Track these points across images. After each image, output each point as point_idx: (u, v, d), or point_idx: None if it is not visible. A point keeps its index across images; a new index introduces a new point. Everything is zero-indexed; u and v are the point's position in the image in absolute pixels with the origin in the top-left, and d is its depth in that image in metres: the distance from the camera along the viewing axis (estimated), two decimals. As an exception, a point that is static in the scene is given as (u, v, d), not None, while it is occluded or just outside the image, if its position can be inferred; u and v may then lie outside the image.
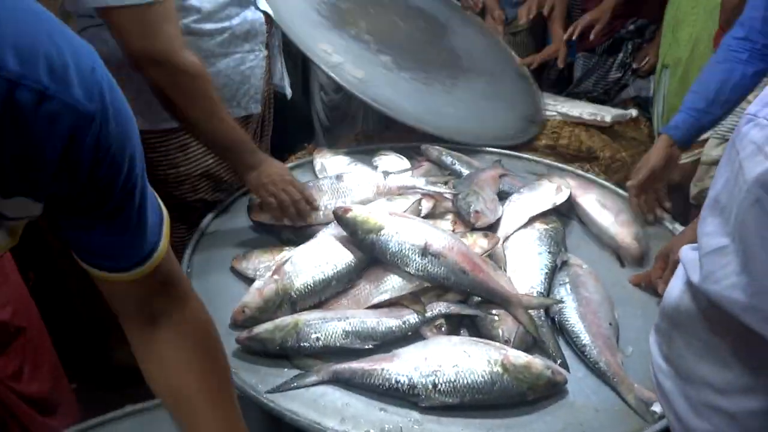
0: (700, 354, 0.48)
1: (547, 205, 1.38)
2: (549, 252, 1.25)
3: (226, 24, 1.35)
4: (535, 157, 1.80)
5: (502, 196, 1.44)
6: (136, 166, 0.61)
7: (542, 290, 1.17)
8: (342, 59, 1.72)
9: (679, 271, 0.50)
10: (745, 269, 0.41)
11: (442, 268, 1.11)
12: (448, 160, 1.62)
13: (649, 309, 1.17)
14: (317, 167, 1.57)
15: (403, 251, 1.13)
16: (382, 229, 1.14)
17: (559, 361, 1.05)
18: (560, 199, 1.41)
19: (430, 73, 1.96)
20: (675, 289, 0.50)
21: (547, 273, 1.21)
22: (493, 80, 2.14)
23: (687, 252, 0.49)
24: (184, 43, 1.19)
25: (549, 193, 1.43)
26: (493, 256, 1.26)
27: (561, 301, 1.14)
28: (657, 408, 0.95)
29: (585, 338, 1.08)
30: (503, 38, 2.48)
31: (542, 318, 1.12)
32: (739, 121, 0.43)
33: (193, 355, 0.74)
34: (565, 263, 1.25)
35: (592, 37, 2.39)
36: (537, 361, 1.00)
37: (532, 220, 1.34)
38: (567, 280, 1.20)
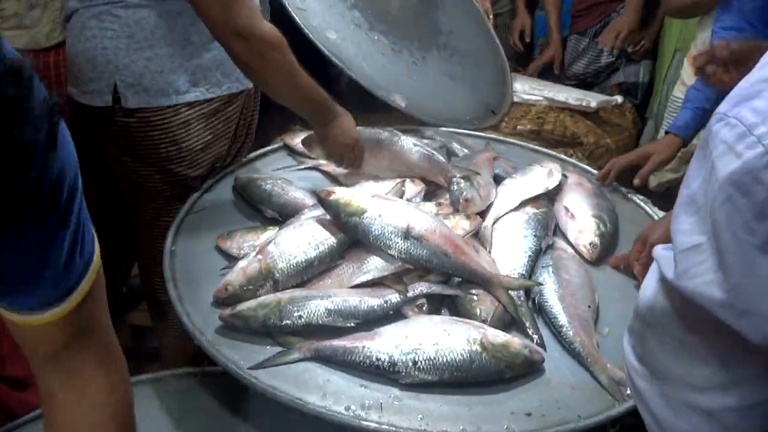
0: (676, 353, 0.48)
1: (539, 190, 1.40)
2: (534, 236, 1.27)
3: None
4: (520, 142, 1.82)
5: (495, 180, 1.45)
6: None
7: (524, 272, 1.19)
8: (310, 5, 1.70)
9: (653, 270, 0.51)
10: (721, 266, 0.42)
11: (425, 251, 1.12)
12: (441, 140, 1.63)
13: (628, 292, 1.20)
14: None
15: (386, 234, 1.14)
16: (365, 212, 1.15)
17: (536, 340, 1.07)
18: (552, 183, 1.43)
19: (402, 41, 1.94)
20: (649, 288, 0.50)
21: (530, 256, 1.23)
22: (466, 63, 2.11)
23: (660, 251, 0.50)
24: (260, 12, 1.24)
25: (541, 177, 1.45)
26: (480, 237, 1.28)
27: (540, 284, 1.17)
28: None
29: (562, 319, 1.11)
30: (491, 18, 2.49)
31: (522, 298, 1.14)
32: (710, 120, 0.44)
33: None
34: (549, 247, 1.27)
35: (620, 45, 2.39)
36: (515, 340, 1.02)
37: (523, 204, 1.36)
38: (550, 263, 1.22)
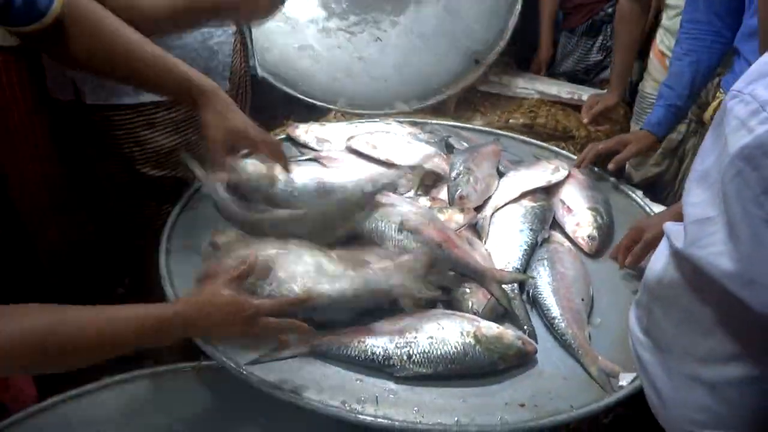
0: (681, 324, 0.49)
1: (541, 183, 1.42)
2: (531, 229, 1.29)
3: None
4: (528, 139, 1.82)
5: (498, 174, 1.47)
6: None
7: (519, 266, 1.21)
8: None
9: (662, 245, 0.51)
10: (731, 238, 0.43)
11: (418, 244, 1.14)
12: (442, 134, 1.64)
13: (623, 283, 1.22)
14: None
15: (380, 228, 1.15)
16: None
17: (527, 331, 1.08)
18: (556, 178, 1.45)
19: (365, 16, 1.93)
20: (658, 261, 0.51)
21: (525, 250, 1.24)
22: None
23: (671, 225, 0.50)
24: None
25: (545, 171, 1.47)
26: (478, 228, 1.30)
27: (532, 277, 1.18)
28: (622, 381, 0.99)
29: (555, 311, 1.12)
30: None
31: (515, 291, 1.15)
32: (725, 97, 0.45)
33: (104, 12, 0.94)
34: (546, 240, 1.29)
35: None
36: (508, 332, 1.03)
37: (522, 196, 1.38)
38: (546, 256, 1.23)
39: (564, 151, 1.70)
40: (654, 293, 0.52)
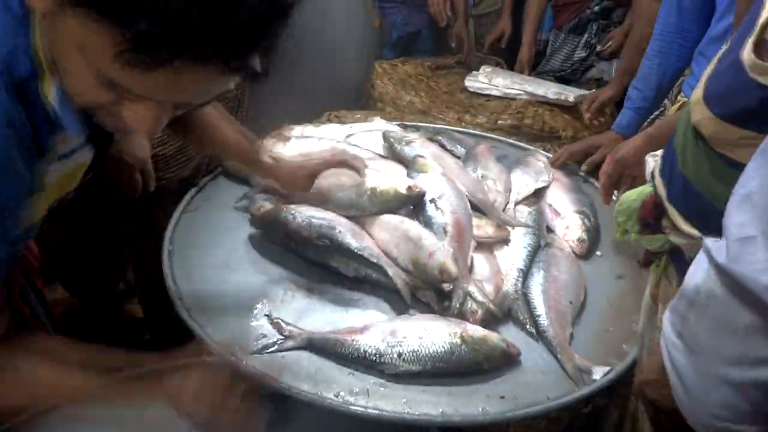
0: (715, 330, 0.54)
1: (539, 184, 1.50)
2: (534, 234, 1.36)
3: None
4: (515, 142, 1.89)
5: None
6: None
7: (522, 267, 1.27)
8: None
9: (700, 259, 0.56)
10: None
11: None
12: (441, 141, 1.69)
13: (611, 284, 1.31)
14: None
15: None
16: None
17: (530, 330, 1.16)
18: (543, 182, 1.52)
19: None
20: (697, 273, 0.56)
21: (529, 251, 1.31)
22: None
23: (711, 242, 0.55)
24: None
25: (542, 171, 1.55)
26: (505, 219, 1.38)
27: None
28: (596, 375, 1.07)
29: (540, 310, 1.19)
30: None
31: (518, 292, 1.22)
32: None
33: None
34: (548, 245, 1.35)
35: None
36: (493, 335, 1.10)
37: (516, 203, 1.45)
38: (543, 259, 1.30)
39: (549, 154, 1.76)
40: (691, 301, 0.56)
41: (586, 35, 2.59)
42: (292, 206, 1.27)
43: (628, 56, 2.02)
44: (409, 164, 1.41)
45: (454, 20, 2.69)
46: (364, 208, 1.27)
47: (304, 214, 1.24)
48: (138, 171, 1.38)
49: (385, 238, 1.23)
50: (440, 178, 1.32)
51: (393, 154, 1.54)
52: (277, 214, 1.26)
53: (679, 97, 1.55)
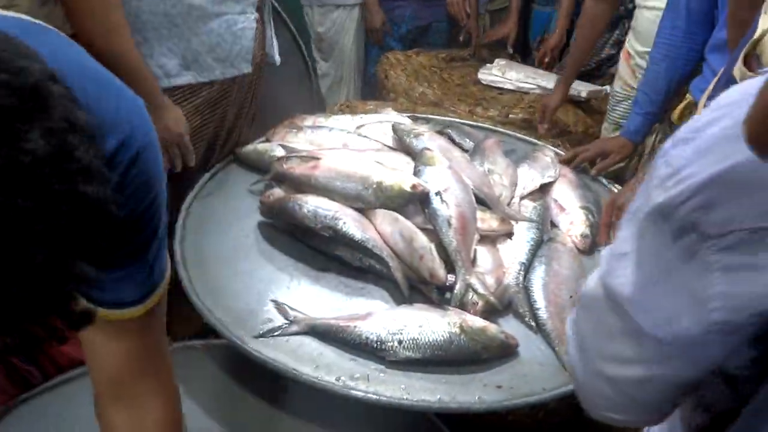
0: (595, 330, 0.60)
1: (546, 180, 1.52)
2: (537, 228, 1.38)
3: None
4: (516, 133, 1.90)
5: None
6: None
7: (525, 261, 1.29)
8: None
9: (599, 267, 0.61)
10: (637, 271, 0.53)
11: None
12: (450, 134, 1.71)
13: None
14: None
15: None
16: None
17: (528, 325, 1.18)
18: (550, 177, 1.54)
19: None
20: (592, 278, 0.61)
21: (531, 246, 1.33)
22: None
23: (604, 251, 0.60)
24: None
25: (549, 166, 1.56)
26: (510, 212, 1.39)
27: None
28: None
29: (540, 303, 1.22)
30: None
31: (520, 285, 1.25)
32: (659, 152, 0.54)
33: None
34: (551, 239, 1.37)
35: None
36: (492, 326, 1.12)
37: (521, 197, 1.47)
38: (545, 253, 1.32)
39: (558, 150, 1.77)
40: (583, 302, 0.62)
41: (617, 32, 2.57)
42: (299, 195, 1.31)
43: (575, 61, 2.01)
44: (416, 156, 1.44)
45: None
46: (369, 202, 1.29)
47: (311, 204, 1.27)
48: (175, 146, 1.41)
49: (386, 230, 1.26)
50: (446, 171, 1.34)
51: (402, 145, 1.56)
52: (284, 203, 1.30)
53: (686, 96, 1.56)
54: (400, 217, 1.27)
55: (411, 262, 1.20)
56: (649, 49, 1.67)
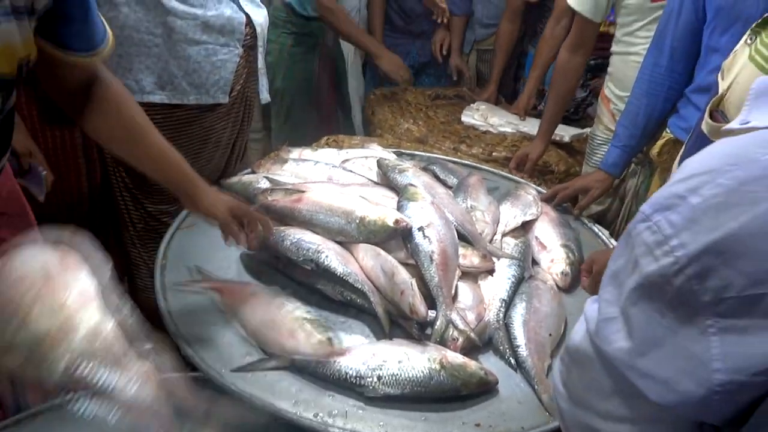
0: (589, 387, 0.60)
1: (527, 217, 1.54)
2: (518, 265, 1.39)
3: (198, 11, 1.44)
4: (499, 171, 1.94)
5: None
6: None
7: (506, 297, 1.30)
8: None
9: (582, 320, 0.62)
10: (631, 337, 0.54)
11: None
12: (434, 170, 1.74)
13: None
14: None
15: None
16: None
17: (509, 362, 1.19)
18: (532, 215, 1.56)
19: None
20: (578, 333, 0.62)
21: (513, 283, 1.34)
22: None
23: (588, 306, 0.61)
24: None
25: (531, 204, 1.59)
26: (493, 249, 1.41)
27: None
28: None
29: (520, 340, 1.22)
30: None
31: (500, 322, 1.25)
32: (636, 216, 0.55)
33: (130, 99, 1.11)
34: (532, 277, 1.39)
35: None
36: (472, 363, 1.13)
37: (503, 234, 1.49)
38: (526, 291, 1.33)
39: (540, 188, 1.80)
40: (573, 357, 0.63)
41: (587, 75, 2.65)
42: (282, 228, 1.31)
43: (553, 111, 2.03)
44: (400, 192, 1.45)
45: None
46: (352, 236, 1.30)
47: (293, 237, 1.27)
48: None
49: (368, 265, 1.26)
50: (429, 207, 1.36)
51: (386, 180, 1.58)
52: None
53: (664, 133, 1.60)
54: (382, 252, 1.28)
55: (392, 297, 1.21)
56: (627, 94, 1.72)
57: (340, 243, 1.31)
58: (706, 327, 0.48)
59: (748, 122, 0.54)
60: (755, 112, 0.54)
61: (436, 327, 1.18)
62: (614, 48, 1.92)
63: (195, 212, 1.24)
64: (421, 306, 1.18)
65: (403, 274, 1.22)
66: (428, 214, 1.34)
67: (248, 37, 1.59)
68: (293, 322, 1.15)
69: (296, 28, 2.48)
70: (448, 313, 1.20)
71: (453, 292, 1.26)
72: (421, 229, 1.29)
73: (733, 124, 0.56)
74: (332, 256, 1.24)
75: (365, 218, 1.30)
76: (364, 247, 1.29)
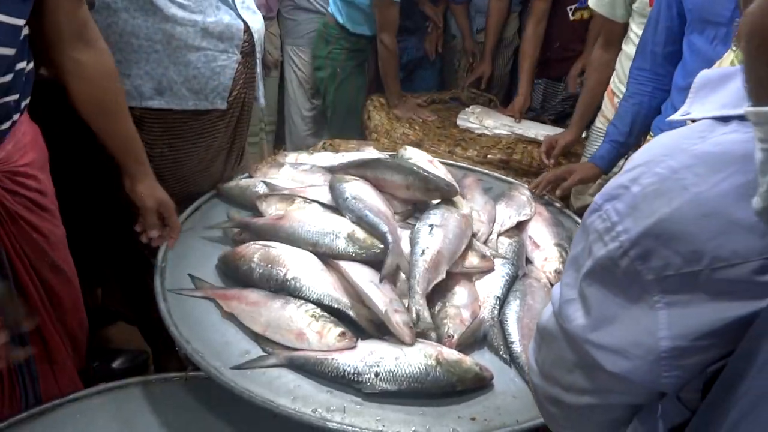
0: (555, 361, 0.65)
1: (522, 217, 1.56)
2: (512, 264, 1.41)
3: (197, 18, 1.46)
4: (494, 173, 1.96)
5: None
6: None
7: (500, 295, 1.32)
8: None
9: (551, 302, 0.67)
10: (587, 315, 0.59)
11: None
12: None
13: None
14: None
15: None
16: None
17: (503, 358, 1.21)
18: (526, 215, 1.59)
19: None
20: (546, 313, 0.67)
21: (507, 281, 1.36)
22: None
23: (555, 289, 0.66)
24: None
25: (525, 204, 1.61)
26: (489, 246, 1.43)
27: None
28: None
29: (514, 336, 1.24)
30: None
31: (495, 318, 1.27)
32: (590, 206, 0.60)
33: (111, 70, 1.21)
34: (526, 275, 1.41)
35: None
36: (467, 359, 1.14)
37: (498, 234, 1.51)
38: (520, 288, 1.35)
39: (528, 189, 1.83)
40: (542, 335, 0.68)
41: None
42: (252, 250, 1.32)
43: (586, 102, 2.11)
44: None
45: (462, 41, 2.86)
46: (338, 251, 1.31)
47: (261, 264, 1.28)
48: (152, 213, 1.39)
49: (350, 281, 1.27)
50: (455, 217, 1.37)
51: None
52: (236, 261, 1.32)
53: (648, 136, 1.63)
54: (366, 268, 1.28)
55: (375, 314, 1.21)
56: None
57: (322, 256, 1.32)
58: (654, 303, 0.53)
59: (688, 113, 0.58)
60: (696, 104, 0.57)
61: (412, 315, 1.19)
62: (622, 45, 1.98)
63: (129, 193, 1.33)
64: (407, 335, 1.15)
65: (379, 295, 1.20)
66: (448, 219, 1.36)
67: (246, 44, 1.62)
68: (305, 319, 1.18)
69: (349, 44, 2.62)
70: (418, 308, 1.20)
71: (429, 289, 1.25)
72: (432, 225, 1.31)
73: (676, 116, 0.60)
74: (304, 281, 1.24)
75: (353, 233, 1.32)
76: (346, 264, 1.29)
